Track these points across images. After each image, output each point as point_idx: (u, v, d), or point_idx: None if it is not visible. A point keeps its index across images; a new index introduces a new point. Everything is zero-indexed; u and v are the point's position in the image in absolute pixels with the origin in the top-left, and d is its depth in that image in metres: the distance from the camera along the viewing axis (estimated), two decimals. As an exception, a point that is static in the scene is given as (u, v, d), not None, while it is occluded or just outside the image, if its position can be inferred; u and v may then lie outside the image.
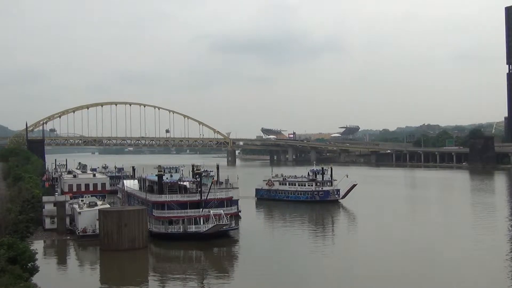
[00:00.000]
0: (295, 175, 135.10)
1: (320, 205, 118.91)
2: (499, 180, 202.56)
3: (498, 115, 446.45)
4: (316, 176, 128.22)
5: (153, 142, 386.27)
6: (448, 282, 55.72)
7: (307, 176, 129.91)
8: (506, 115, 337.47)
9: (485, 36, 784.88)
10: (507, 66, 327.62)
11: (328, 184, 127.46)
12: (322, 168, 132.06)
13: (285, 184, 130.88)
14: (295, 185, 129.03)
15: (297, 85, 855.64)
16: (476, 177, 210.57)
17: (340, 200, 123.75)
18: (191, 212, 79.92)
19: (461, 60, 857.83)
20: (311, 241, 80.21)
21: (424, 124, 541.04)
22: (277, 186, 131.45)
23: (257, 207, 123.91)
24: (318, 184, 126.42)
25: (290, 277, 58.65)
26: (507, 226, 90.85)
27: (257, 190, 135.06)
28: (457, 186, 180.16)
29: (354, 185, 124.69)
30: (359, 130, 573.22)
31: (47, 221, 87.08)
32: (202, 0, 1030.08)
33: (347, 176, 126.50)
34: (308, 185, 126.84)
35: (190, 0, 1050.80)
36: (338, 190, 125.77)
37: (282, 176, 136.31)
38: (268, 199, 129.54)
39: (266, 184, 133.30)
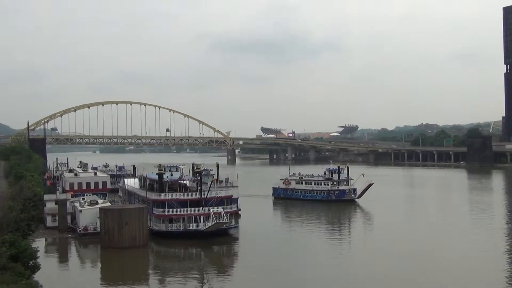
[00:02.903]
0: (312, 174, 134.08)
1: (336, 204, 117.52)
2: (497, 179, 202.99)
3: (496, 114, 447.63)
4: (332, 175, 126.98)
5: (154, 141, 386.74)
6: (448, 283, 55.71)
7: (324, 175, 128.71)
8: (504, 114, 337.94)
9: (483, 36, 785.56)
10: (505, 66, 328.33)
11: (345, 183, 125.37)
12: (339, 167, 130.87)
13: (302, 183, 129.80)
14: (311, 184, 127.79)
15: (296, 85, 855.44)
16: (474, 176, 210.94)
17: (356, 200, 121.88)
18: (191, 210, 79.88)
19: (459, 60, 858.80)
20: (312, 240, 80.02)
21: (422, 123, 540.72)
22: (293, 185, 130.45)
23: (274, 206, 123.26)
24: (335, 183, 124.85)
25: (289, 275, 58.65)
26: (505, 225, 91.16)
27: (274, 189, 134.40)
28: (458, 185, 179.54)
29: (371, 184, 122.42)
30: (358, 129, 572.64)
31: (49, 219, 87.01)
32: (203, 0, 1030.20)
33: (363, 175, 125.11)
34: (324, 184, 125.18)
35: (191, 0, 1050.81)
36: (354, 189, 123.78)
37: (299, 175, 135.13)
38: (285, 198, 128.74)
39: (283, 183, 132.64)
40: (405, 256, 67.49)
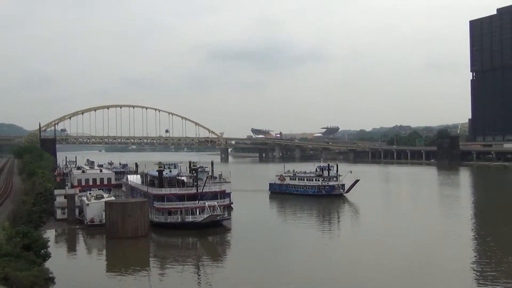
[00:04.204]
0: (305, 171, 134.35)
1: (326, 198, 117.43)
2: (463, 175, 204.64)
3: (463, 117, 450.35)
4: (323, 172, 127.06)
5: (154, 141, 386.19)
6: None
7: (315, 172, 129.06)
8: (470, 117, 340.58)
9: (452, 46, 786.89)
10: (471, 73, 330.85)
11: (334, 179, 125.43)
12: (328, 164, 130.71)
13: (295, 179, 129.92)
14: (304, 180, 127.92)
15: (283, 90, 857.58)
16: (443, 173, 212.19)
17: (344, 194, 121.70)
18: (188, 204, 79.89)
19: (431, 67, 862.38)
20: (301, 229, 79.96)
21: (397, 125, 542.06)
22: (288, 180, 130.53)
23: (270, 200, 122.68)
24: (325, 179, 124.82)
25: (277, 261, 58.74)
26: (471, 214, 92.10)
27: (270, 185, 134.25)
28: (429, 180, 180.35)
29: (357, 181, 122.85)
30: (339, 130, 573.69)
31: (58, 212, 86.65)
32: (200, 13, 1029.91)
33: (350, 172, 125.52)
34: (316, 180, 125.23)
35: (189, 14, 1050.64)
36: (343, 185, 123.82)
37: (293, 171, 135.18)
38: (280, 193, 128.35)
39: (279, 179, 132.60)
40: (387, 244, 67.79)
